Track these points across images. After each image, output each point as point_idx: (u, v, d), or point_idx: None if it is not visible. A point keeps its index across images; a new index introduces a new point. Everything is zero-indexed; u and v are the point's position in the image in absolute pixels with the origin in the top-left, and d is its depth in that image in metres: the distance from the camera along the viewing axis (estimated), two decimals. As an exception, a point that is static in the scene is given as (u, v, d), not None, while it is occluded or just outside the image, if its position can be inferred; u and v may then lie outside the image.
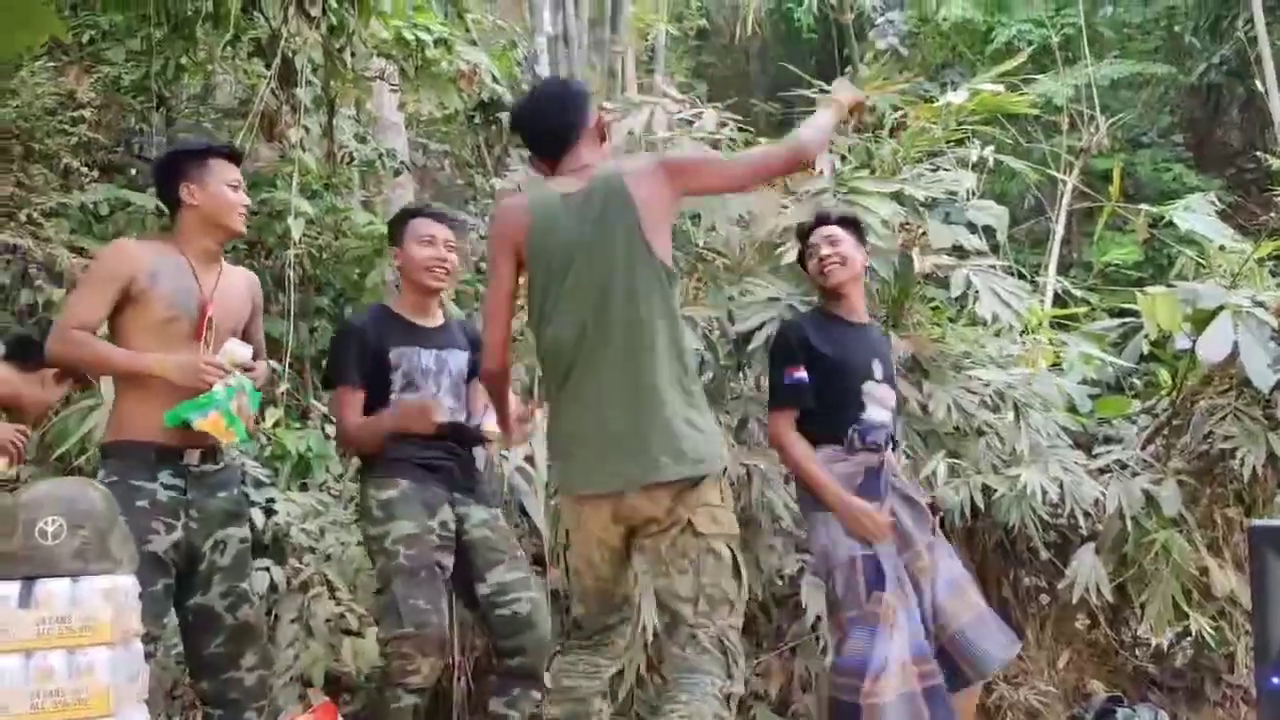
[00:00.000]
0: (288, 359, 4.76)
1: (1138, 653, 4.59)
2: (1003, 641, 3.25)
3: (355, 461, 3.78)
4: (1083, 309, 5.66)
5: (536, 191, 2.68)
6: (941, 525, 4.22)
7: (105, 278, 2.76)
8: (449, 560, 3.14)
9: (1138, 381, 5.36)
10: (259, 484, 3.95)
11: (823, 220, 3.49)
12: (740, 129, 4.55)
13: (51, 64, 5.63)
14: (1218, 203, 5.30)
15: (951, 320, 4.57)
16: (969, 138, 4.69)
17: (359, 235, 5.43)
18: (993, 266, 4.37)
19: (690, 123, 4.54)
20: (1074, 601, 4.18)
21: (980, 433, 4.27)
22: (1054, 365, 4.83)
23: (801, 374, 3.23)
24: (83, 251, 4.64)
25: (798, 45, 13.22)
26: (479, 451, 3.40)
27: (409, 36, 5.68)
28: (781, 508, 3.89)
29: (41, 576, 2.27)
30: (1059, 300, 6.21)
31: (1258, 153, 9.06)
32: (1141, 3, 12.92)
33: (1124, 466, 4.41)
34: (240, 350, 2.82)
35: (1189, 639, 4.48)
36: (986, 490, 4.06)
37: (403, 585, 2.99)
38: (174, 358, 2.72)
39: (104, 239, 4.92)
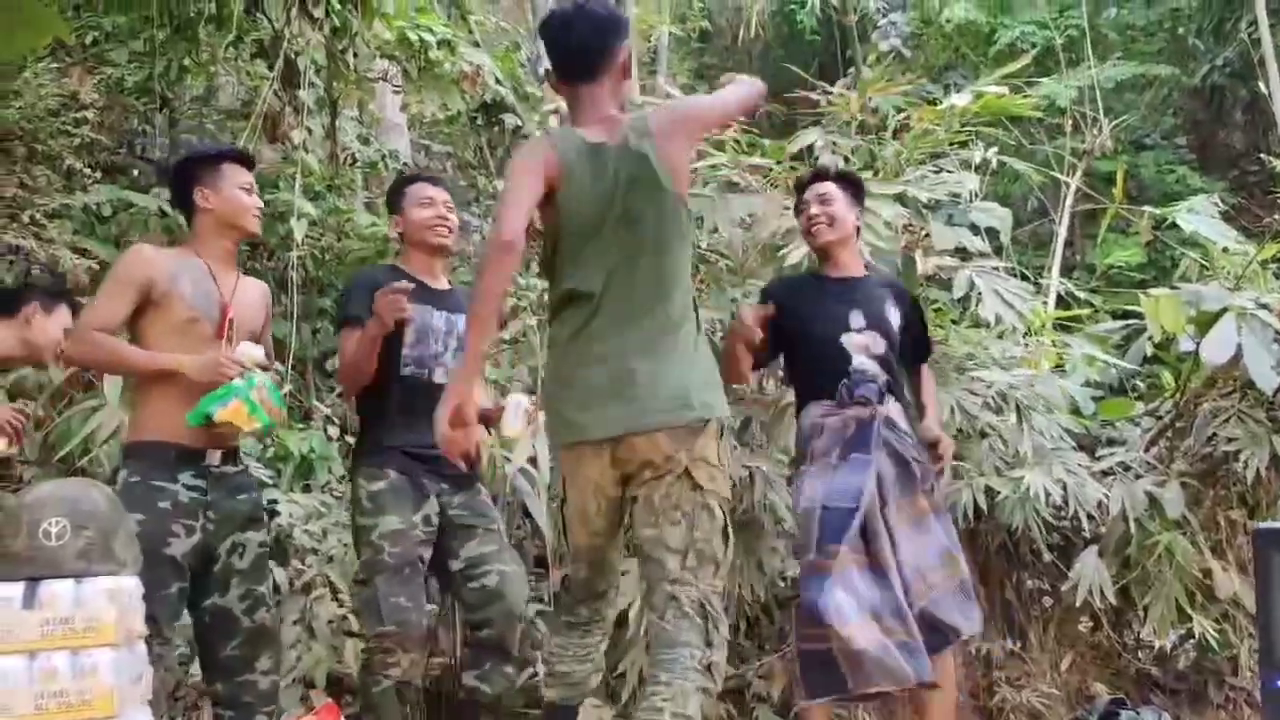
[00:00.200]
0: (290, 360, 4.77)
1: (1140, 655, 4.58)
2: (969, 617, 3.16)
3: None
4: (1086, 311, 5.66)
5: (567, 140, 2.61)
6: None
7: (125, 281, 2.80)
8: (429, 553, 3.16)
9: (1141, 384, 5.35)
10: (262, 485, 3.95)
11: (819, 176, 3.45)
12: (744, 130, 4.55)
13: (55, 65, 5.63)
14: (1221, 204, 5.29)
15: (955, 322, 4.56)
16: (972, 140, 4.69)
17: (362, 237, 5.43)
18: (996, 268, 4.36)
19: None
20: (1077, 604, 4.17)
21: (983, 434, 4.27)
22: (1057, 367, 4.82)
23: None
24: (85, 253, 4.65)
25: (800, 47, 13.21)
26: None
27: (412, 37, 5.69)
28: (784, 509, 3.89)
29: (45, 577, 2.27)
30: (1062, 302, 6.21)
31: (1261, 155, 9.07)
32: (1145, 4, 12.91)
33: (1127, 469, 4.41)
34: (255, 351, 2.86)
35: (1192, 641, 4.47)
36: (990, 492, 4.06)
37: (385, 582, 3.01)
38: (191, 358, 2.76)
39: (107, 240, 4.93)
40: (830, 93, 4.70)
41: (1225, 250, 4.86)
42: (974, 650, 4.25)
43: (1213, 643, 4.26)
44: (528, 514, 4.20)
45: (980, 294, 4.16)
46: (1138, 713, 4.13)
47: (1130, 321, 5.06)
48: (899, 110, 4.65)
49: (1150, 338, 4.51)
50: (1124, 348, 5.07)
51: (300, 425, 4.59)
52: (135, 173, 6.29)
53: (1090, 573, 4.13)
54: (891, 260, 4.11)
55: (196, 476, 2.80)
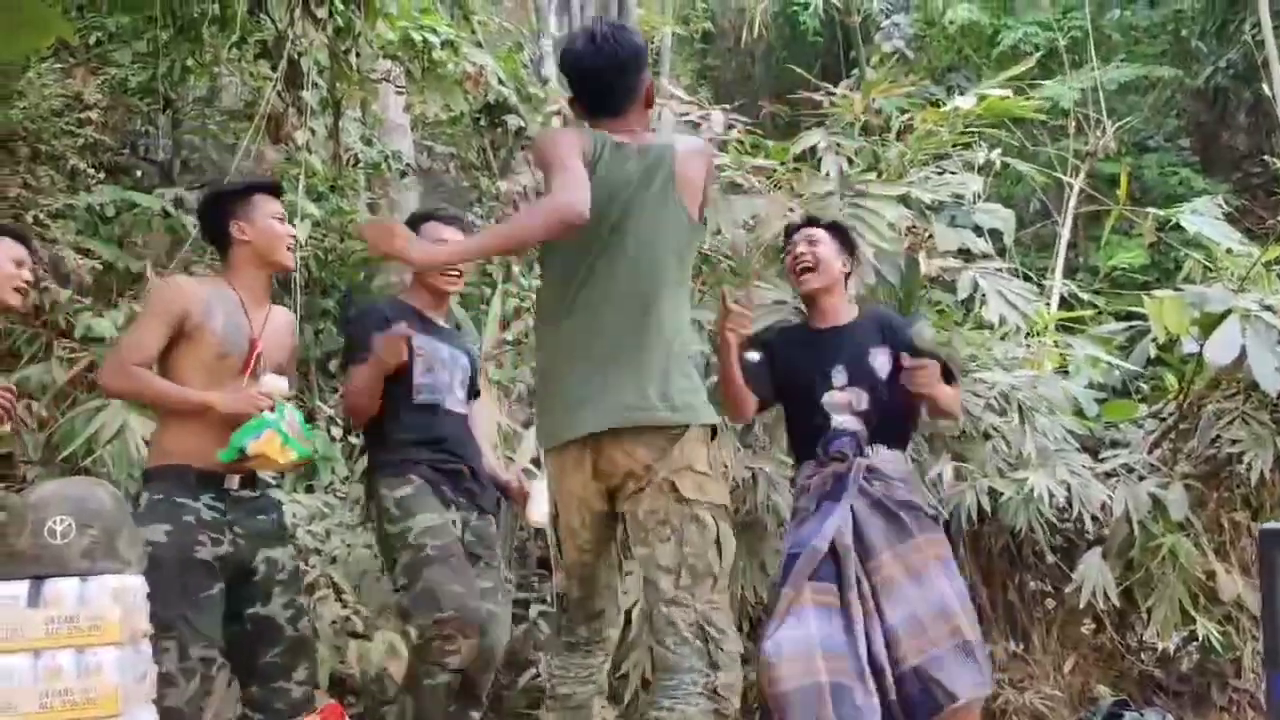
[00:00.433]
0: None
1: (1144, 657, 4.58)
2: (973, 680, 2.95)
3: (362, 462, 3.78)
4: (1089, 312, 5.65)
5: (595, 133, 2.60)
6: (946, 529, 4.23)
7: (161, 313, 2.84)
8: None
9: (1144, 385, 5.34)
10: (278, 505, 3.95)
11: (810, 222, 3.40)
12: (748, 131, 4.55)
13: (58, 66, 5.64)
14: (1225, 206, 5.29)
15: (958, 323, 4.56)
16: (975, 141, 4.69)
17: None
18: (999, 270, 4.37)
19: (697, 124, 4.55)
20: (1080, 605, 4.17)
21: (986, 436, 4.27)
22: (1060, 369, 4.82)
23: (752, 354, 3.15)
24: (89, 253, 4.65)
25: (803, 48, 13.19)
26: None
27: (415, 38, 5.69)
28: (786, 510, 3.88)
29: (50, 576, 2.28)
30: (1065, 304, 6.20)
31: (1265, 156, 9.06)
32: (1148, 6, 12.90)
33: (1130, 470, 4.40)
34: (280, 383, 2.90)
35: (1195, 643, 4.46)
36: (993, 493, 4.06)
37: (438, 572, 2.97)
38: (220, 394, 2.80)
39: (110, 240, 4.93)
40: (833, 94, 4.71)
41: (1229, 252, 4.86)
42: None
43: (1216, 645, 4.25)
44: (530, 514, 4.20)
45: (984, 295, 4.16)
46: (1141, 715, 4.12)
47: (1134, 323, 5.06)
48: (902, 111, 4.67)
49: (1154, 339, 4.52)
50: (1127, 349, 5.07)
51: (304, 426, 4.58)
52: (139, 173, 6.30)
53: (1093, 574, 4.12)
54: (895, 261, 4.11)
55: (216, 499, 2.83)
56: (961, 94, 4.81)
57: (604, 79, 2.61)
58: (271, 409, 2.81)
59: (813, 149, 4.45)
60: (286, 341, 3.09)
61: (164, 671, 2.59)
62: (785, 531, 3.19)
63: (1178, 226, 5.10)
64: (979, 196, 4.44)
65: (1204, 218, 4.97)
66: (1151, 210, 5.58)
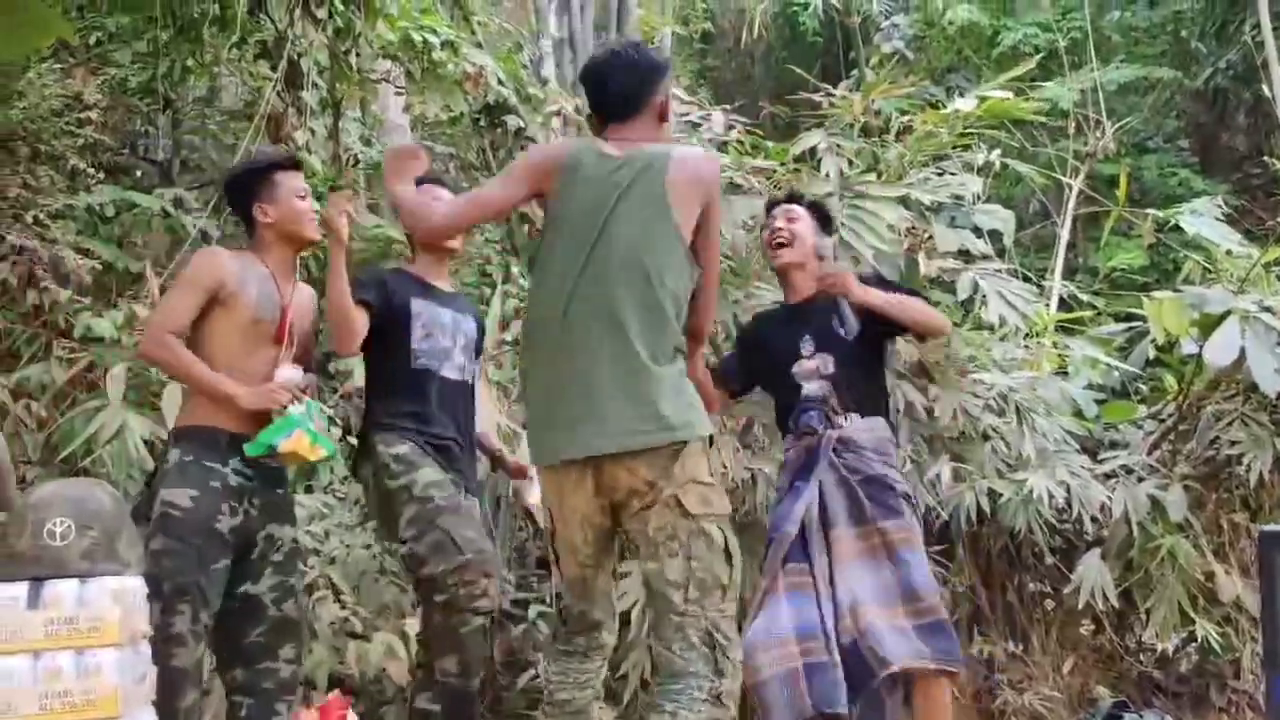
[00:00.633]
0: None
1: (1143, 658, 4.58)
2: (911, 650, 2.92)
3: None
4: (1089, 313, 5.66)
5: (579, 143, 2.65)
6: (946, 528, 4.24)
7: (196, 281, 2.90)
8: None
9: (1144, 386, 5.35)
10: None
11: (791, 198, 3.42)
12: (748, 132, 4.55)
13: (58, 66, 5.63)
14: (1224, 207, 5.30)
15: (957, 324, 4.56)
16: (975, 142, 4.69)
17: (365, 238, 5.43)
18: (999, 271, 4.37)
19: (697, 125, 4.55)
20: (1079, 607, 4.18)
21: (985, 437, 4.27)
22: (1060, 370, 4.82)
23: (730, 358, 3.38)
24: (88, 253, 4.65)
25: (803, 49, 13.20)
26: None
27: (415, 38, 5.68)
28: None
29: (50, 577, 2.28)
30: (1065, 305, 6.21)
31: (1264, 157, 9.06)
32: (1148, 7, 12.90)
33: (1130, 471, 4.41)
34: (295, 375, 2.93)
35: (1194, 644, 4.47)
36: (992, 494, 4.06)
37: (449, 520, 2.96)
38: (245, 387, 2.84)
39: (110, 240, 4.93)
40: (833, 95, 4.71)
41: (1228, 253, 4.87)
42: (976, 652, 4.26)
43: (1215, 646, 4.26)
44: (529, 515, 4.20)
45: (984, 296, 4.16)
46: (1140, 716, 4.13)
47: (1133, 324, 5.07)
48: (902, 112, 4.67)
49: (1153, 340, 4.52)
50: (1127, 350, 5.08)
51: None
52: (138, 173, 6.30)
53: (1092, 575, 4.13)
54: (894, 262, 4.11)
55: (244, 464, 2.87)
56: (961, 95, 4.81)
57: (620, 82, 2.64)
58: (293, 401, 2.85)
59: (812, 150, 4.45)
60: (310, 313, 3.16)
61: (176, 632, 2.65)
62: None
63: (1177, 227, 5.10)
64: (978, 197, 4.45)
65: (1203, 219, 4.98)
66: (1151, 211, 5.59)
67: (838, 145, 4.44)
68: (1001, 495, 4.06)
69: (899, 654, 2.89)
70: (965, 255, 4.34)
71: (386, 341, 3.12)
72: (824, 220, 3.41)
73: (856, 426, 3.13)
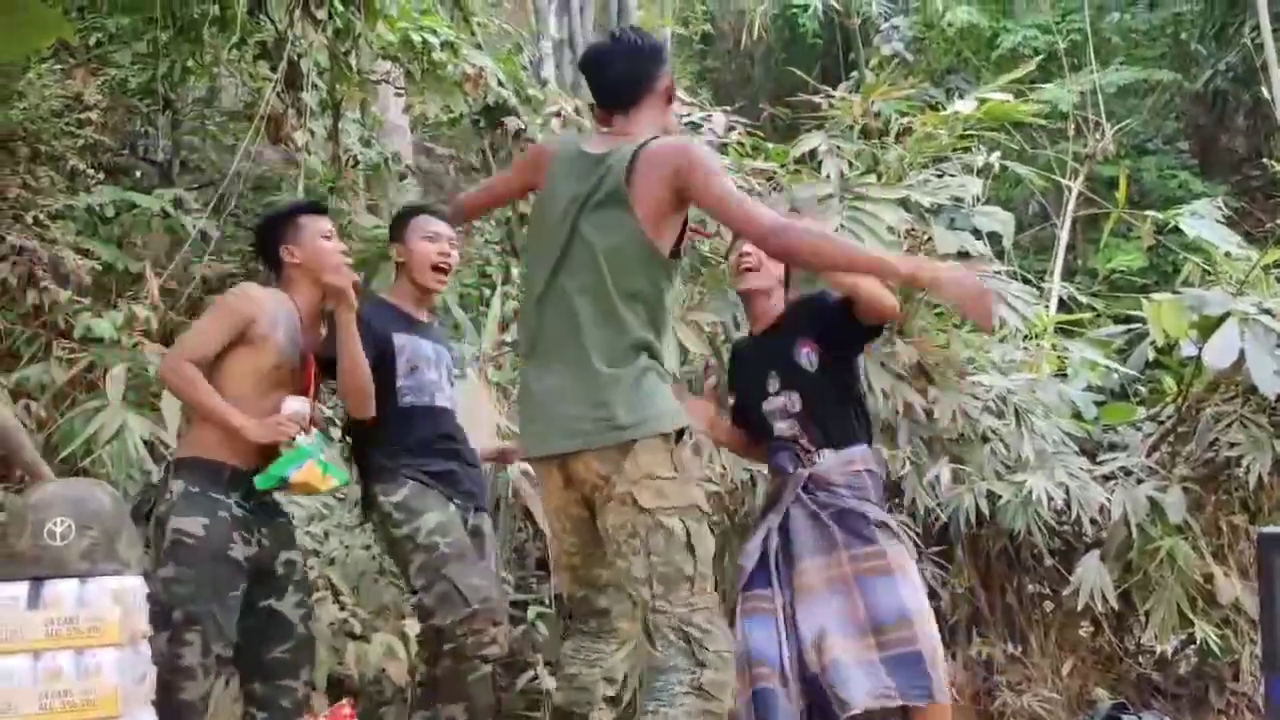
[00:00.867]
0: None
1: (1142, 660, 4.59)
2: (875, 688, 2.82)
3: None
4: (1088, 315, 5.67)
5: (568, 142, 2.67)
6: (945, 530, 4.24)
7: (229, 317, 2.91)
8: None
9: (1143, 388, 5.36)
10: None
11: None
12: (748, 133, 4.56)
13: (58, 66, 5.63)
14: (1223, 209, 5.30)
15: (956, 326, 4.57)
16: (974, 144, 4.69)
17: (364, 239, 5.43)
18: (998, 272, 4.37)
19: (698, 126, 4.56)
20: (1078, 608, 4.18)
21: (985, 438, 4.28)
22: (1059, 372, 4.83)
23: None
24: (88, 253, 4.65)
25: (802, 50, 13.21)
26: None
27: (415, 39, 5.67)
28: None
29: (50, 577, 2.28)
30: (1064, 306, 6.21)
31: (1263, 159, 9.07)
32: (1147, 9, 12.92)
33: (1129, 473, 4.41)
34: (302, 407, 2.92)
35: (1193, 646, 4.47)
36: (991, 496, 4.06)
37: (455, 569, 2.96)
38: (253, 420, 2.83)
39: (109, 241, 4.93)
40: (833, 97, 4.71)
41: (1228, 255, 4.87)
42: (975, 654, 4.26)
43: (1214, 648, 4.26)
44: (529, 516, 4.21)
45: (983, 298, 4.15)
46: (1139, 717, 4.13)
47: (1132, 326, 5.07)
48: (901, 114, 4.67)
49: (1152, 342, 4.53)
50: (1126, 352, 5.08)
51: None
52: (138, 174, 6.29)
53: (1091, 577, 4.13)
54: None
55: (245, 498, 2.87)
56: (961, 97, 4.81)
57: (619, 68, 2.63)
58: (301, 432, 2.84)
59: (813, 152, 4.46)
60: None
61: (185, 665, 2.63)
62: None
63: (1176, 229, 5.11)
64: (978, 199, 4.45)
65: (1203, 220, 4.98)
66: (1150, 213, 5.59)
67: (838, 147, 4.45)
68: (1001, 497, 4.06)
69: (859, 696, 2.80)
70: (965, 257, 4.34)
71: (375, 377, 3.05)
72: None
73: (829, 464, 3.04)
